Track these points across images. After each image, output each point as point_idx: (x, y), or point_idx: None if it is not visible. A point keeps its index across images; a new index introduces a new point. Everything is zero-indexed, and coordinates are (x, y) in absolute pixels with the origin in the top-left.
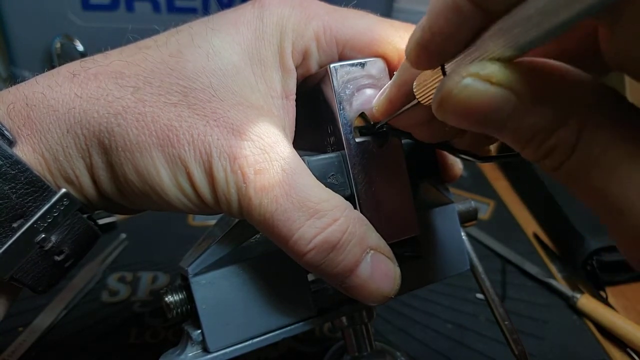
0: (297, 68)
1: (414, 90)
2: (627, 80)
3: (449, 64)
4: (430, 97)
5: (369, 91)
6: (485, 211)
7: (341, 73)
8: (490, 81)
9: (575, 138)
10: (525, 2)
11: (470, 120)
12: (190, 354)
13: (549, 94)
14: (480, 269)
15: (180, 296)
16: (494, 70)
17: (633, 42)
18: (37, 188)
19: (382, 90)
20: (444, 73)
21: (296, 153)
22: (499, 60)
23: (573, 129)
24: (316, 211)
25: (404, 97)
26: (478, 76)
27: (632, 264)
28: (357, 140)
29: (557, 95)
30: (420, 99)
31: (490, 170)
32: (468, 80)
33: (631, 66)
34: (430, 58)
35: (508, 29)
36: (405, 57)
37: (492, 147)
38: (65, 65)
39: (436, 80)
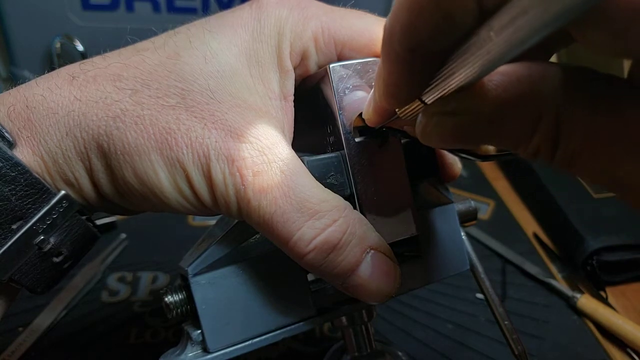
0: (295, 69)
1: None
2: None
3: (426, 91)
4: (410, 115)
5: (368, 91)
6: (485, 211)
7: (340, 73)
8: (454, 113)
9: (555, 133)
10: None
11: (453, 144)
12: (190, 354)
13: (515, 103)
14: (480, 269)
15: (180, 296)
16: (455, 105)
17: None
18: (37, 190)
19: (367, 101)
20: (421, 101)
21: (295, 154)
22: (464, 85)
23: (549, 127)
24: (315, 212)
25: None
26: (444, 113)
27: None
28: (357, 140)
29: (523, 101)
30: (401, 116)
31: (490, 170)
32: (436, 119)
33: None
34: (400, 101)
35: (461, 63)
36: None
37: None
38: (64, 68)
39: (413, 104)
